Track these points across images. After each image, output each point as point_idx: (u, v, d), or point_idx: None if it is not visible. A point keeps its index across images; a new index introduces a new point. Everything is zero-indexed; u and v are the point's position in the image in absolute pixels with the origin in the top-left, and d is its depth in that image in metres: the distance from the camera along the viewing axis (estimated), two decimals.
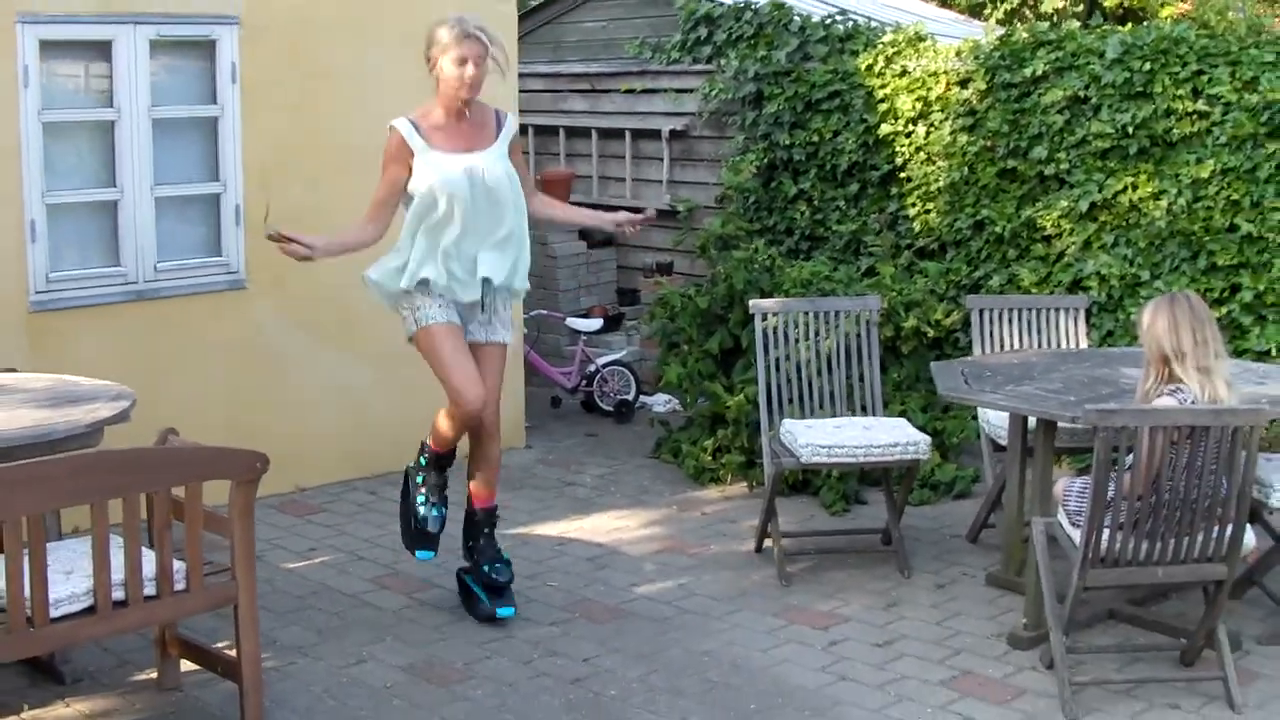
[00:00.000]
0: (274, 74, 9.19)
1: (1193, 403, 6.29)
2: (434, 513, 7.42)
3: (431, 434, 7.34)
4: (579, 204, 12.96)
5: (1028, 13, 16.35)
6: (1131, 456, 6.13)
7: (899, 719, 6.32)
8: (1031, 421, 7.27)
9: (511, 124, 7.23)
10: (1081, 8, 15.75)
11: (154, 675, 6.54)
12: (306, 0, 9.31)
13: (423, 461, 7.44)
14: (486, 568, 7.39)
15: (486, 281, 7.04)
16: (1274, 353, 9.08)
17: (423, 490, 7.43)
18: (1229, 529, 6.29)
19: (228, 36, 9.01)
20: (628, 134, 13.22)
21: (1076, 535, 6.36)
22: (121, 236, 8.76)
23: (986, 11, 16.72)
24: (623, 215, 7.58)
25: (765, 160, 11.95)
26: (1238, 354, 9.04)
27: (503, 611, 7.33)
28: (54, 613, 5.42)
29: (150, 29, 8.69)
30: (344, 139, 9.46)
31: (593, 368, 11.76)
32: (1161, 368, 6.49)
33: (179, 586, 5.74)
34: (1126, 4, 15.93)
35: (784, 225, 11.92)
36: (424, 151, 6.93)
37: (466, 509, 7.51)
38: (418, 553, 7.46)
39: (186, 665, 6.48)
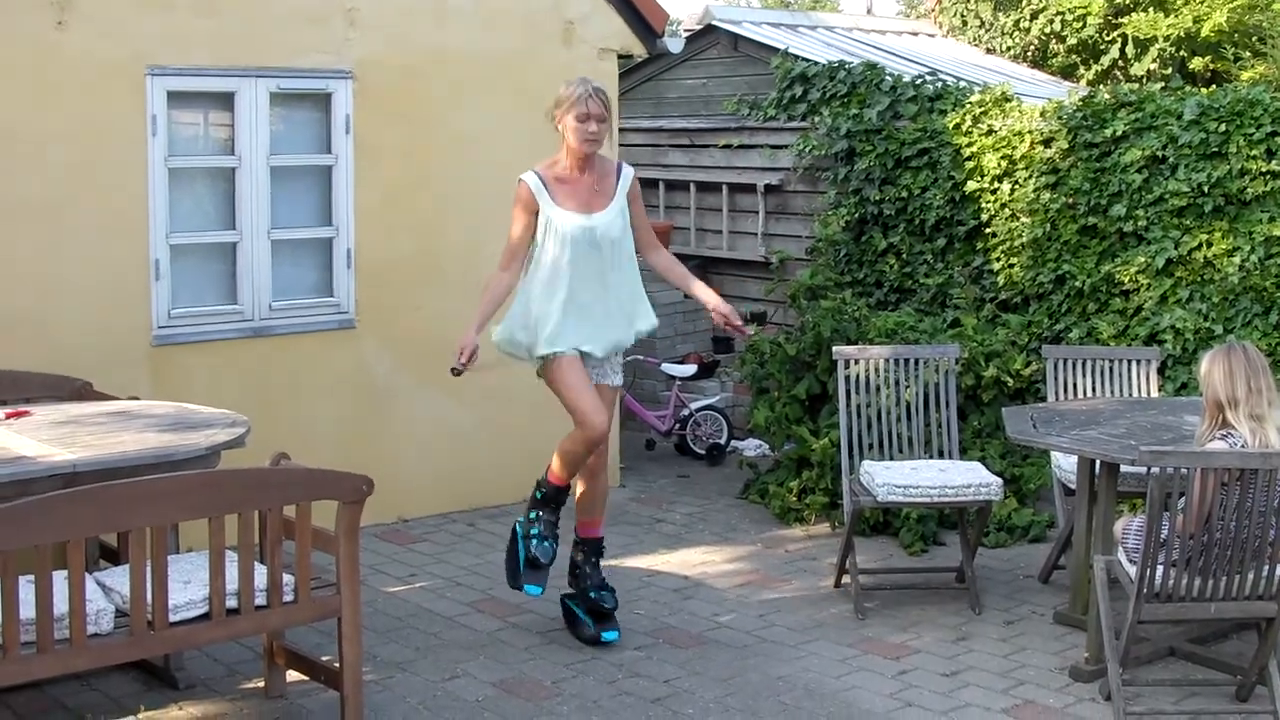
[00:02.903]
0: (385, 126, 9.63)
1: (1243, 447, 6.60)
2: (546, 545, 7.69)
3: (552, 464, 7.65)
4: (677, 255, 13.40)
5: (1119, 74, 16.56)
6: (1184, 497, 6.44)
7: None
8: (1098, 465, 7.59)
9: (629, 175, 7.65)
10: (1170, 70, 15.95)
11: (261, 684, 6.97)
12: (416, 58, 9.77)
13: (538, 495, 7.73)
14: (593, 594, 7.78)
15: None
16: None
17: (536, 525, 7.71)
18: (1278, 568, 6.57)
19: (342, 90, 9.47)
20: (725, 187, 13.61)
21: (1134, 572, 6.64)
22: (239, 276, 9.22)
23: (1079, 73, 16.94)
24: (725, 308, 7.78)
25: (856, 214, 12.30)
26: None
27: (607, 635, 7.70)
28: (172, 617, 5.86)
29: (270, 82, 9.17)
30: (451, 189, 9.91)
31: (686, 412, 12.11)
32: (1216, 414, 6.78)
33: (288, 598, 6.17)
34: (1213, 68, 16.13)
35: (873, 278, 12.26)
36: (549, 208, 7.39)
37: (575, 539, 7.89)
38: (527, 587, 7.70)
39: (292, 675, 6.90)
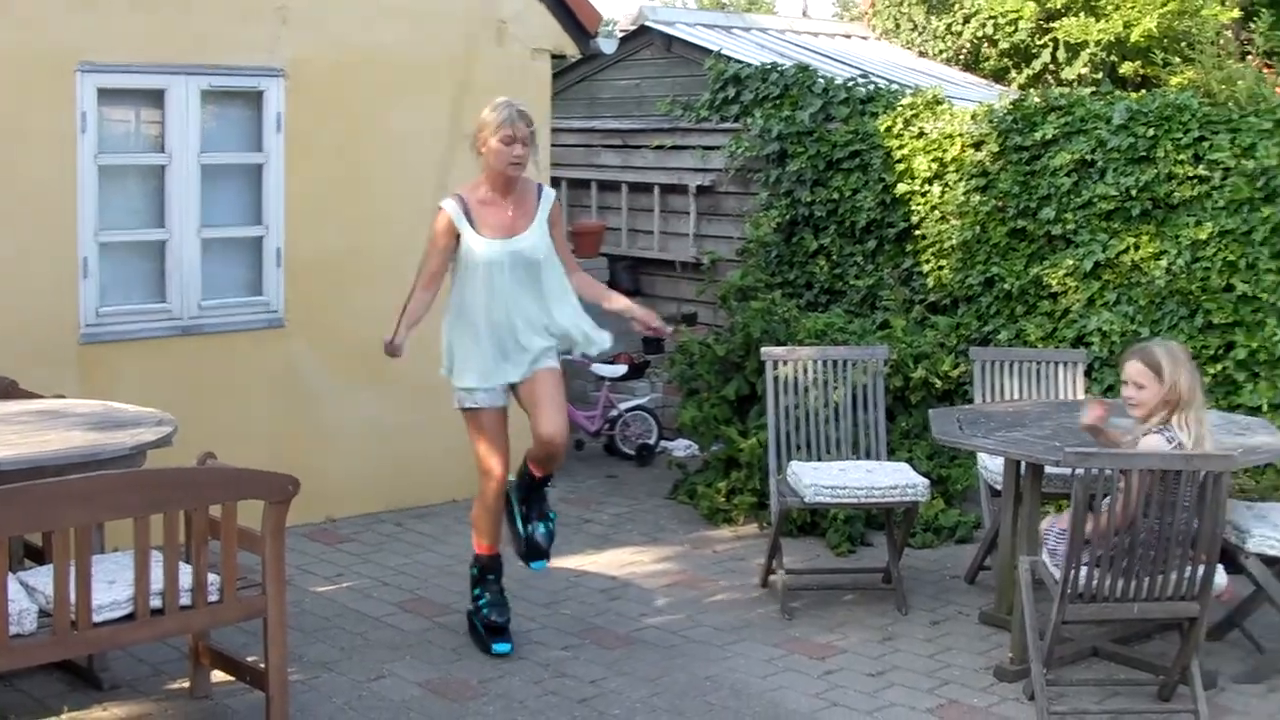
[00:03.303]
0: (317, 124, 9.61)
1: (1177, 447, 6.67)
2: (499, 608, 7.70)
3: (474, 535, 7.71)
4: (609, 256, 13.43)
5: (1050, 78, 16.66)
6: (1108, 498, 6.50)
7: None
8: (1023, 466, 7.65)
9: (550, 197, 7.64)
10: (1101, 75, 16.06)
11: (186, 684, 6.95)
12: (349, 56, 9.74)
13: (474, 573, 7.79)
14: (529, 527, 7.74)
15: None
16: (1265, 408, 9.41)
17: (483, 598, 7.73)
18: (1201, 569, 6.63)
19: (274, 88, 9.45)
20: (657, 188, 13.61)
21: (1057, 573, 6.70)
22: (168, 275, 9.18)
23: (1010, 76, 17.04)
24: (641, 314, 7.79)
25: (787, 216, 12.33)
26: (1231, 409, 9.38)
27: (535, 565, 7.81)
28: (96, 618, 5.84)
29: (202, 80, 9.13)
30: (383, 187, 9.88)
31: (616, 412, 12.12)
32: (1167, 410, 6.85)
33: (213, 598, 6.15)
34: (1143, 72, 16.25)
35: (804, 279, 12.30)
36: (470, 236, 7.37)
37: (523, 469, 7.77)
38: (494, 646, 7.62)
39: (217, 676, 6.89)
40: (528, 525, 7.78)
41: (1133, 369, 6.96)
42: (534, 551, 7.79)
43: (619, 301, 7.89)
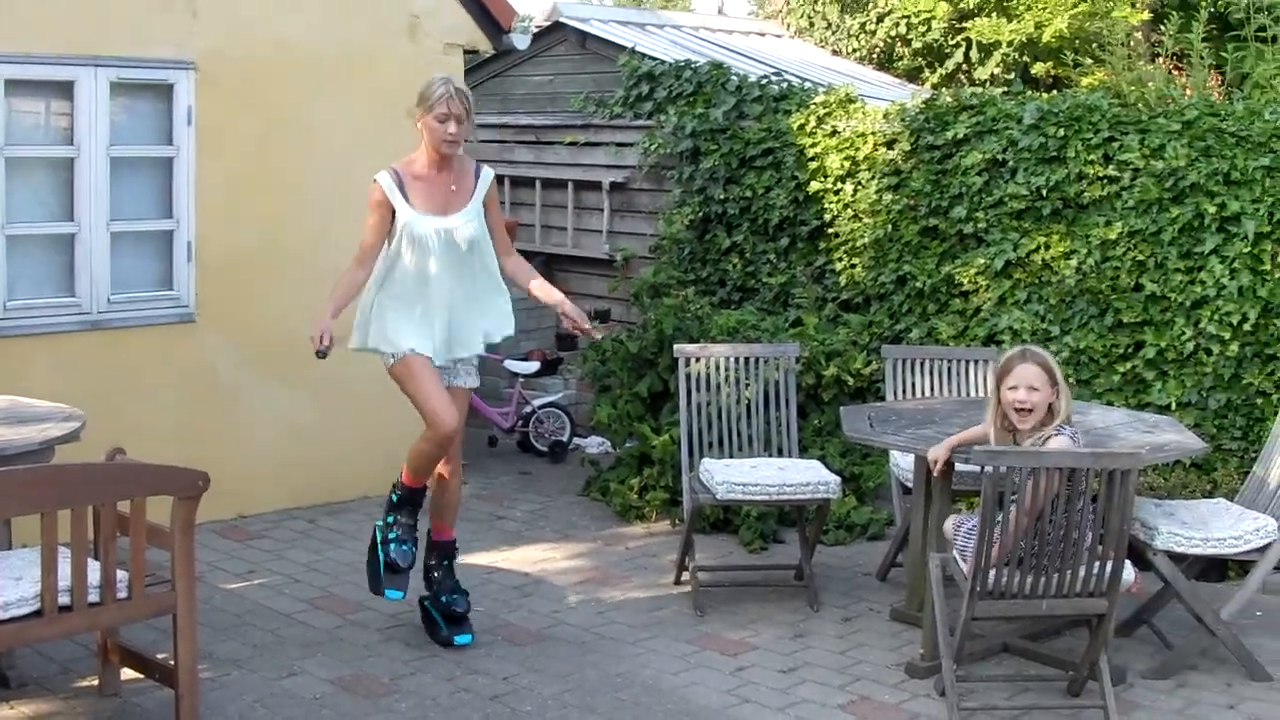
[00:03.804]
0: (228, 117, 9.54)
1: (1073, 437, 6.75)
2: (404, 549, 7.64)
3: (406, 467, 7.62)
4: (522, 252, 13.36)
5: (963, 78, 16.76)
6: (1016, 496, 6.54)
7: None
8: None
9: (488, 178, 7.57)
10: (1014, 75, 16.18)
11: (95, 682, 6.88)
12: (261, 49, 9.68)
13: (394, 499, 7.71)
14: (445, 599, 7.74)
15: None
16: (1174, 407, 9.51)
17: (394, 529, 7.66)
18: (1108, 565, 6.68)
19: (185, 81, 9.37)
20: (570, 185, 13.59)
21: (966, 569, 6.73)
22: (77, 268, 9.10)
23: (924, 76, 17.12)
24: (574, 311, 7.66)
25: (700, 213, 12.33)
26: (1140, 407, 9.48)
27: (460, 639, 7.67)
28: (3, 614, 5.76)
29: (111, 71, 9.05)
30: (296, 181, 9.83)
31: (529, 409, 12.12)
32: (1053, 414, 6.92)
33: (122, 594, 6.09)
34: (1055, 73, 16.37)
35: (717, 276, 12.31)
36: (404, 210, 7.30)
37: (428, 542, 7.83)
38: (388, 592, 7.63)
39: (126, 673, 6.82)
40: (442, 597, 7.75)
41: (1031, 373, 6.92)
42: (454, 620, 7.73)
43: (552, 295, 7.81)
